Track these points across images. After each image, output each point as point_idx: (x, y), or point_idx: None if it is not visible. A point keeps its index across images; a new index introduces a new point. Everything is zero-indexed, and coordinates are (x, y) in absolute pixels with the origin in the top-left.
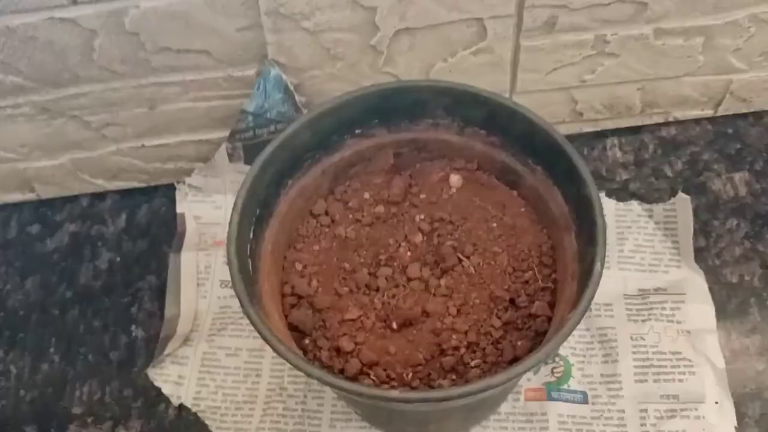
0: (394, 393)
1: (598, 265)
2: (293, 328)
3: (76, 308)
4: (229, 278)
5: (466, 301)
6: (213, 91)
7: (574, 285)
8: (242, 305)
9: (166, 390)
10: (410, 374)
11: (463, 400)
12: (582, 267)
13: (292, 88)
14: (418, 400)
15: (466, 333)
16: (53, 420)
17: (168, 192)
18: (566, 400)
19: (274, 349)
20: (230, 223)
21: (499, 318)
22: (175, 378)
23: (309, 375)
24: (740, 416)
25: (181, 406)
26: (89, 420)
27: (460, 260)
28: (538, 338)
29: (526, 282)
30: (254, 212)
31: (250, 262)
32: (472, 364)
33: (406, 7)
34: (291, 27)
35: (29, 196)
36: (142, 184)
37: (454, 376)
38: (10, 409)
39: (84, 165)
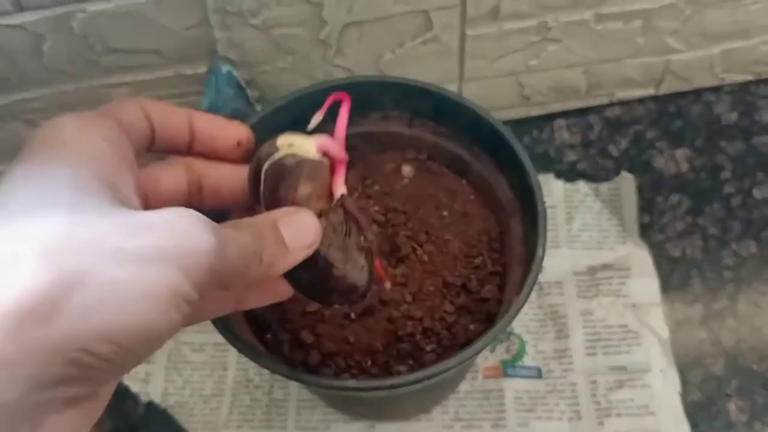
0: (351, 382)
1: (539, 250)
2: (254, 322)
3: None
4: None
5: (421, 288)
6: (165, 89)
7: (520, 268)
8: None
9: (135, 388)
10: (369, 362)
11: (418, 385)
12: (526, 251)
13: (244, 83)
14: (372, 388)
15: (421, 319)
16: None
17: None
18: (521, 376)
19: (236, 348)
20: None
21: (452, 303)
22: (143, 376)
23: (272, 371)
24: (684, 383)
25: (150, 403)
26: None
27: (414, 249)
28: (490, 320)
29: (477, 267)
30: None
31: None
32: (428, 348)
33: (352, 1)
34: (239, 23)
35: None
36: None
37: (411, 362)
38: None
39: None
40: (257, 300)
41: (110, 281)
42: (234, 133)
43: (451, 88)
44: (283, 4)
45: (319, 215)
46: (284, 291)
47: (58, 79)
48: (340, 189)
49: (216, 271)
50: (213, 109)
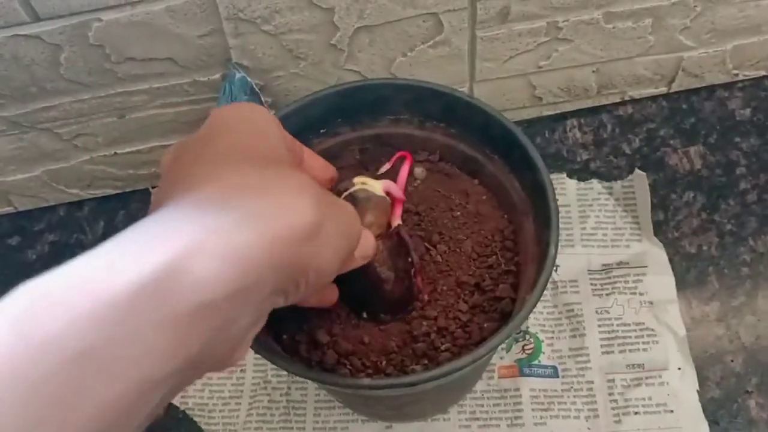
0: (366, 381)
1: (552, 247)
2: (270, 324)
3: None
4: None
5: (435, 288)
6: (180, 97)
7: (534, 267)
8: None
9: None
10: (384, 362)
11: (432, 383)
12: (539, 249)
13: (257, 89)
14: (387, 386)
15: (435, 319)
16: None
17: (144, 197)
18: (538, 375)
19: (253, 350)
20: None
21: (465, 302)
22: None
23: (289, 371)
24: (702, 380)
25: (170, 405)
26: None
27: (428, 249)
28: (504, 319)
29: (490, 266)
30: None
31: None
32: (442, 348)
33: (362, 6)
34: (252, 30)
35: (7, 209)
36: (118, 191)
37: (426, 361)
38: None
39: (59, 176)
40: (312, 300)
41: (331, 233)
42: (331, 172)
43: (463, 90)
44: (295, 11)
45: (377, 238)
46: (332, 297)
47: (75, 88)
48: (396, 220)
49: None
50: None
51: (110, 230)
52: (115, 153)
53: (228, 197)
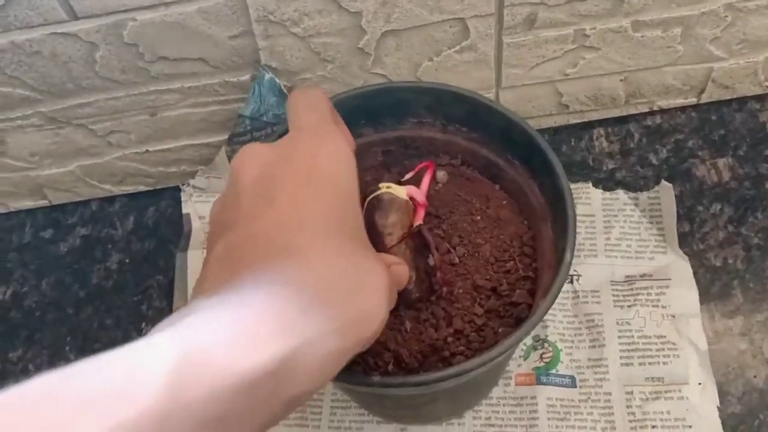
0: (376, 378)
1: (567, 254)
2: None
3: (89, 307)
4: None
5: (452, 291)
6: (210, 96)
7: (550, 273)
8: None
9: None
10: (398, 361)
11: (443, 384)
12: (557, 256)
13: (285, 91)
14: (397, 384)
15: (451, 321)
16: None
17: (174, 194)
18: (555, 384)
19: None
20: None
21: (481, 306)
22: None
23: None
24: (723, 395)
25: None
26: None
27: (448, 251)
28: (520, 325)
29: (508, 271)
30: None
31: None
32: (457, 350)
33: (390, 10)
34: (281, 33)
35: (41, 203)
36: (149, 188)
37: (439, 363)
38: None
39: (92, 171)
40: None
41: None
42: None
43: (489, 96)
44: (324, 14)
45: (401, 239)
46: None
47: (109, 86)
48: (418, 222)
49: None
50: (256, 115)
51: (140, 226)
52: (147, 150)
53: (330, 294)
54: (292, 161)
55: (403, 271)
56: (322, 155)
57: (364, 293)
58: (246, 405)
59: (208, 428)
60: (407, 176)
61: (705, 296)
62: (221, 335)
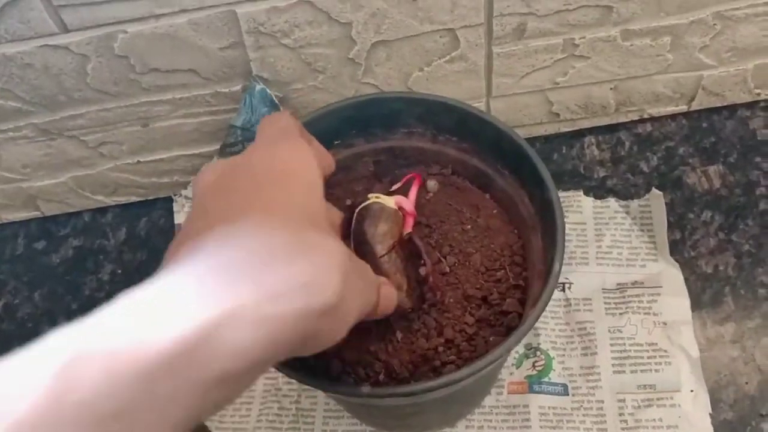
0: (366, 389)
1: (556, 264)
2: None
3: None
4: None
5: (443, 300)
6: (202, 107)
7: (540, 282)
8: None
9: None
10: (388, 372)
11: (434, 394)
12: (546, 265)
13: (277, 101)
14: (386, 395)
15: (442, 331)
16: None
17: (166, 204)
18: (547, 393)
19: None
20: None
21: (472, 315)
22: None
23: (291, 377)
24: (715, 402)
25: None
26: None
27: (439, 261)
28: (510, 333)
29: (498, 280)
30: None
31: None
32: (448, 360)
33: (380, 21)
34: (272, 44)
35: (34, 214)
36: (141, 198)
37: (430, 373)
38: None
39: (84, 182)
40: None
41: (351, 306)
42: (330, 163)
43: (479, 105)
44: (314, 25)
45: (392, 247)
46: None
47: (101, 97)
48: (407, 230)
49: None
50: (247, 126)
51: (132, 236)
52: (139, 161)
53: (266, 262)
54: (249, 165)
55: (390, 293)
56: (278, 156)
57: (309, 263)
58: (153, 392)
59: (107, 425)
60: (394, 187)
61: (696, 303)
62: (126, 320)
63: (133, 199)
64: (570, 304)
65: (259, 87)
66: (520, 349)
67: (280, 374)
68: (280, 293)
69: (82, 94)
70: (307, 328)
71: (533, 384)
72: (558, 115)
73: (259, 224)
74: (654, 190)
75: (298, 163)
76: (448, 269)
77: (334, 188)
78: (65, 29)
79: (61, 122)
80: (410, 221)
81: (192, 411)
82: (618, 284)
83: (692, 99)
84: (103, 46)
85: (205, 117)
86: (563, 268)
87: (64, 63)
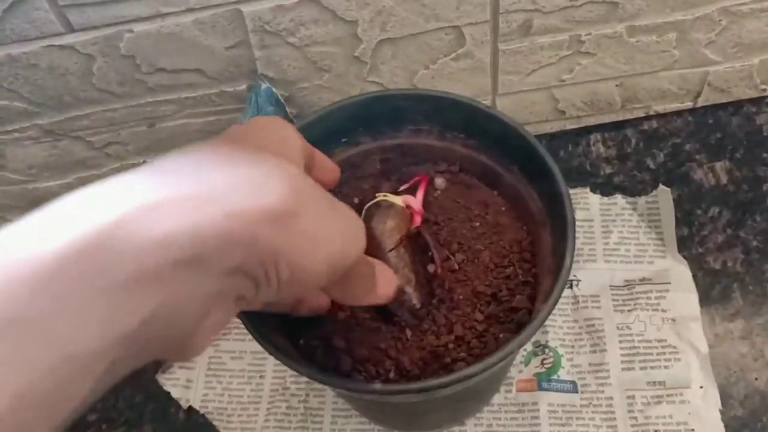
0: (378, 386)
1: (567, 258)
2: (287, 329)
3: None
4: None
5: (452, 297)
6: (208, 107)
7: (550, 278)
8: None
9: (176, 393)
10: (399, 369)
11: (445, 391)
12: (556, 261)
13: (282, 100)
14: (398, 392)
15: (452, 328)
16: (69, 428)
17: None
18: (556, 390)
19: (267, 351)
20: None
21: (481, 312)
22: (184, 382)
23: (301, 374)
24: (726, 398)
25: (190, 409)
26: (104, 426)
27: (447, 258)
28: (520, 330)
29: (508, 277)
30: None
31: None
32: (458, 357)
33: (386, 19)
34: (278, 43)
35: None
36: None
37: (440, 370)
38: None
39: (90, 183)
40: (303, 309)
41: (314, 227)
42: (335, 173)
43: (485, 103)
44: (320, 23)
45: (400, 241)
46: (324, 304)
47: (106, 97)
48: (414, 226)
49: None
50: None
51: None
52: (145, 161)
53: (198, 166)
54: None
55: (389, 274)
56: (266, 134)
57: (255, 168)
58: (51, 302)
59: (5, 332)
60: (402, 188)
61: (705, 300)
62: (28, 222)
63: None
64: (578, 302)
65: (264, 86)
66: (528, 346)
67: (289, 373)
68: (216, 189)
69: (88, 95)
70: (245, 231)
71: (542, 381)
72: (564, 112)
73: (220, 144)
74: (661, 186)
75: (290, 136)
76: (456, 266)
77: (342, 186)
78: (71, 29)
79: (67, 123)
80: (418, 220)
81: (107, 324)
82: (626, 281)
83: (698, 95)
84: (108, 45)
85: (210, 117)
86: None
87: (69, 63)
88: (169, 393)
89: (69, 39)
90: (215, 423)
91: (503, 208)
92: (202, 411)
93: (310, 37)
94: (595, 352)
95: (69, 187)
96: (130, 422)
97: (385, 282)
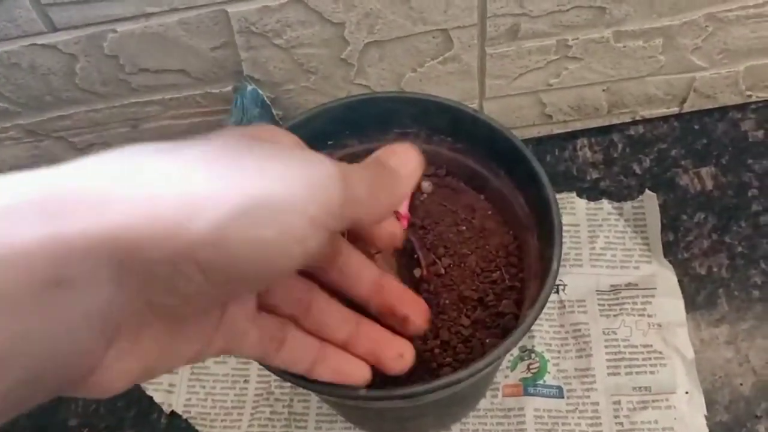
0: (362, 392)
1: (554, 263)
2: None
3: None
4: None
5: (438, 302)
6: (192, 108)
7: (537, 283)
8: None
9: (158, 398)
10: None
11: (430, 396)
12: (542, 265)
13: (268, 102)
14: (382, 397)
15: (437, 333)
16: None
17: None
18: (542, 395)
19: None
20: None
21: (468, 317)
22: (166, 386)
23: (284, 379)
24: (710, 403)
25: (173, 414)
26: (85, 431)
27: (434, 262)
28: (506, 335)
29: (494, 282)
30: None
31: None
32: (444, 362)
33: (373, 21)
34: (263, 44)
35: None
36: None
37: (426, 375)
38: (8, 424)
39: None
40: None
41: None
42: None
43: (472, 107)
44: (306, 25)
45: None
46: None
47: (89, 98)
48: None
49: (347, 202)
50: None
51: None
52: None
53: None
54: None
55: (398, 149)
56: (258, 134)
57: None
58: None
59: None
60: None
61: (690, 305)
62: None
63: None
64: (564, 306)
65: (250, 88)
66: (514, 351)
67: (273, 378)
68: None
69: (71, 95)
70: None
71: (528, 386)
72: (551, 116)
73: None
74: (647, 192)
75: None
76: (443, 271)
77: None
78: (53, 28)
79: (49, 123)
80: (404, 224)
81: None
82: (612, 286)
83: (684, 101)
84: (92, 45)
85: (196, 118)
86: None
87: (51, 63)
88: (151, 398)
89: (51, 38)
90: (198, 428)
91: (490, 213)
92: (184, 416)
93: (296, 39)
94: (581, 357)
95: None
96: (111, 427)
97: (402, 161)
